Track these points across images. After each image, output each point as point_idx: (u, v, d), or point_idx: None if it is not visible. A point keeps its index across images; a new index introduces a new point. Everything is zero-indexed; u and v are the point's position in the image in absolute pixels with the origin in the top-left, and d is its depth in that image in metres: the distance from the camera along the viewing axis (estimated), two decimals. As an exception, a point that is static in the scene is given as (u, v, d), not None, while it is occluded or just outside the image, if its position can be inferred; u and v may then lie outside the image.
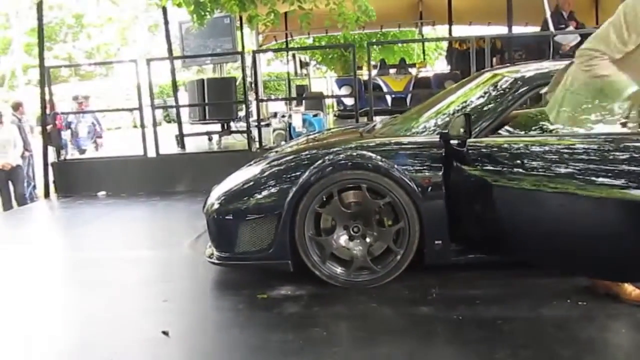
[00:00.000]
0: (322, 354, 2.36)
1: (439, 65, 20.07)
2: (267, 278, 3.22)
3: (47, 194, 6.74)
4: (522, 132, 3.03)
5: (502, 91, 3.13)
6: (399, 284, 3.02)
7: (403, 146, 3.11)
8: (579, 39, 7.44)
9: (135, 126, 19.86)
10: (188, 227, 4.66)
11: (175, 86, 7.46)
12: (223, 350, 2.48)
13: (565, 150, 2.65)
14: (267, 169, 3.28)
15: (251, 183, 3.23)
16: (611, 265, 2.57)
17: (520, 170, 2.71)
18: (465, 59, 11.59)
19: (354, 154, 3.11)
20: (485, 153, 2.85)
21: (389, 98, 9.35)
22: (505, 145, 2.83)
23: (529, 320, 2.57)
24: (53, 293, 3.42)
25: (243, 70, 6.44)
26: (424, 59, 14.85)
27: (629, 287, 2.64)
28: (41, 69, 6.64)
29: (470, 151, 2.86)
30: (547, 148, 2.71)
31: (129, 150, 7.67)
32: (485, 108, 3.07)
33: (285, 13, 8.91)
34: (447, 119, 3.27)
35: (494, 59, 9.63)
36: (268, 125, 7.62)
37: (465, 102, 3.38)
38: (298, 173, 3.10)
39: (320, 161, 3.09)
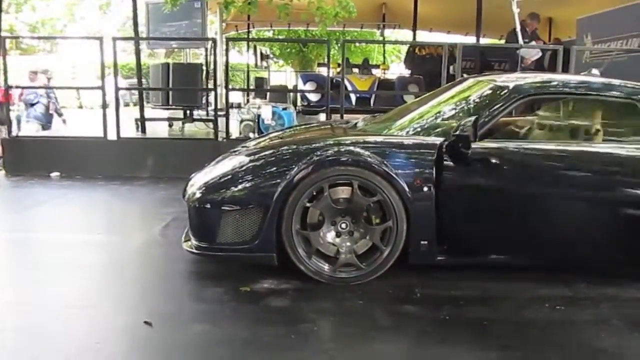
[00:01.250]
0: (318, 349, 2.35)
1: (394, 68, 20.38)
2: (246, 270, 3.17)
3: (-6, 172, 6.36)
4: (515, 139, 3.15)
5: (493, 98, 3.20)
6: (382, 282, 3.03)
7: (396, 146, 3.11)
8: (540, 54, 7.82)
9: (80, 107, 19.10)
10: (155, 213, 4.53)
11: (139, 68, 7.20)
12: (213, 343, 2.40)
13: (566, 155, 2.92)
14: (254, 160, 3.21)
15: (237, 174, 3.14)
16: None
17: (527, 174, 2.94)
18: (425, 64, 11.87)
19: (345, 150, 3.09)
20: (492, 156, 2.98)
21: (353, 97, 9.39)
22: (513, 149, 3.02)
23: (514, 323, 2.65)
24: (18, 277, 3.22)
25: (214, 56, 6.28)
26: (384, 61, 15.02)
27: None
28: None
29: (476, 154, 2.96)
30: (551, 153, 3.00)
31: (79, 131, 7.35)
32: (477, 113, 3.12)
33: (249, 3, 8.76)
34: (437, 121, 3.33)
35: (451, 67, 9.92)
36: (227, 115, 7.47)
37: (454, 106, 3.44)
38: (285, 167, 3.06)
39: (308, 157, 3.05)
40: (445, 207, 2.98)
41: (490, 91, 3.32)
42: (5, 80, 6.33)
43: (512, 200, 2.91)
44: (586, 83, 3.45)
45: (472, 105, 3.31)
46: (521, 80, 3.40)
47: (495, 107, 3.10)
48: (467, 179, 2.93)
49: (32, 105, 8.85)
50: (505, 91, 3.18)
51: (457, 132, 2.88)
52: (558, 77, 3.84)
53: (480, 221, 2.88)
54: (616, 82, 3.38)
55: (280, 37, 17.86)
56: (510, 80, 3.42)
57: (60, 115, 9.31)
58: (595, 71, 4.26)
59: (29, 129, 8.71)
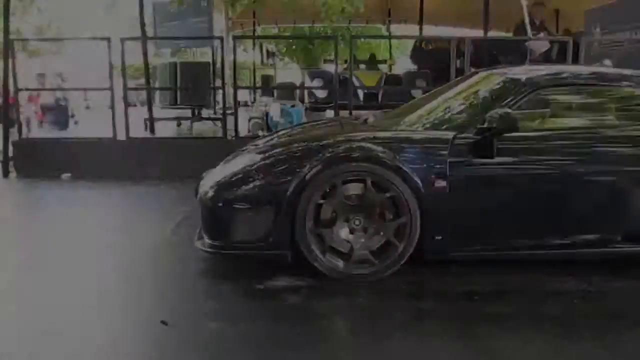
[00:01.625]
0: (333, 346, 2.35)
1: (400, 63, 20.32)
2: (260, 268, 3.16)
3: (5, 173, 6.38)
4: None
5: (507, 90, 3.18)
6: (396, 278, 3.02)
7: (408, 141, 3.10)
8: (548, 45, 7.73)
9: (87, 107, 19.16)
10: (167, 212, 4.53)
11: (147, 67, 7.20)
12: (230, 341, 2.40)
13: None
14: (265, 158, 3.20)
15: (248, 172, 3.13)
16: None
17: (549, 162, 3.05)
18: (431, 58, 11.81)
19: (357, 146, 3.07)
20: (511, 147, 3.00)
21: (360, 93, 9.35)
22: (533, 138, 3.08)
23: (529, 317, 2.63)
24: (31, 279, 3.23)
25: (222, 55, 6.28)
26: (390, 56, 14.97)
27: None
28: (5, 41, 6.27)
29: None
30: (573, 140, 3.13)
31: (88, 132, 7.37)
32: (493, 106, 3.09)
33: (254, 1, 8.75)
34: (449, 115, 3.32)
35: (458, 61, 9.86)
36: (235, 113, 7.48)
37: (466, 100, 3.42)
38: (296, 164, 3.04)
39: (320, 153, 3.03)
40: (459, 202, 2.96)
41: (503, 84, 3.30)
42: (15, 82, 6.35)
43: (531, 193, 2.92)
44: (598, 74, 3.43)
45: (485, 99, 3.29)
46: (533, 72, 3.38)
47: (508, 100, 3.08)
48: (485, 171, 2.93)
49: (52, 110, 8.89)
50: (519, 84, 3.16)
51: (486, 125, 2.88)
52: (570, 69, 3.82)
53: (497, 215, 2.88)
54: (628, 72, 3.36)
55: (286, 34, 17.82)
56: (523, 72, 3.41)
57: (72, 116, 9.37)
58: (607, 62, 4.23)
59: (46, 131, 8.77)
